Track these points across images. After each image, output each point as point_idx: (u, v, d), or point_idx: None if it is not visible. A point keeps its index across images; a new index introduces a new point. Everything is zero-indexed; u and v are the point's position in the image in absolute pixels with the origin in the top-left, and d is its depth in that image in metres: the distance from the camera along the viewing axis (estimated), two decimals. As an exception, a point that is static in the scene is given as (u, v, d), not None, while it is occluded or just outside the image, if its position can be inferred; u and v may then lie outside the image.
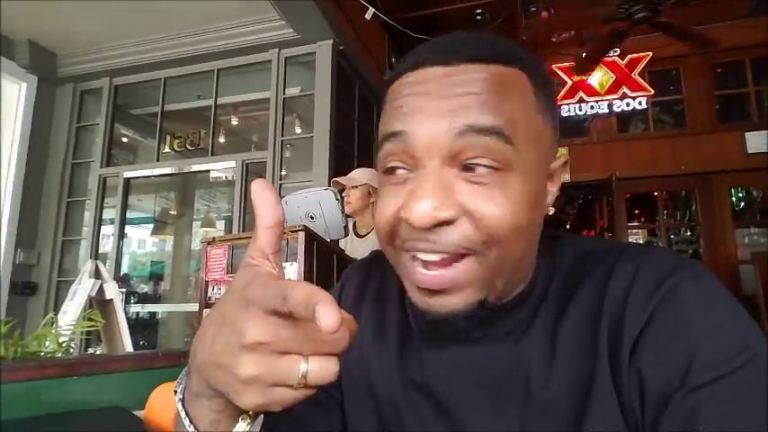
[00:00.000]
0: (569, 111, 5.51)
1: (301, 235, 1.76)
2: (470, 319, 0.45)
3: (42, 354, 1.28)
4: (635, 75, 5.34)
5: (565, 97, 5.52)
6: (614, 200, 5.33)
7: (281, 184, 3.82)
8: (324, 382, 0.32)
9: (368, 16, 3.83)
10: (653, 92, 5.31)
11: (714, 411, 0.37)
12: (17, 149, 3.98)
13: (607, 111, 5.44)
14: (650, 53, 5.25)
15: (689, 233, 5.68)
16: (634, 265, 0.45)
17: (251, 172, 4.03)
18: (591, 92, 5.47)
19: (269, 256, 0.37)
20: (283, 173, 3.92)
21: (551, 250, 0.51)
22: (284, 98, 3.94)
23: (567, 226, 9.80)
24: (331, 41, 3.78)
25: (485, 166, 0.42)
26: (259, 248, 0.37)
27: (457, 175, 0.43)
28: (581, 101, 5.48)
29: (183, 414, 0.40)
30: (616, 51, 5.17)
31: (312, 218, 2.00)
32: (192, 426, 0.39)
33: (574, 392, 0.44)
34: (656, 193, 5.60)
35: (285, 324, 0.32)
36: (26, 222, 4.00)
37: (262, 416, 0.41)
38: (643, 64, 5.32)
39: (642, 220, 6.10)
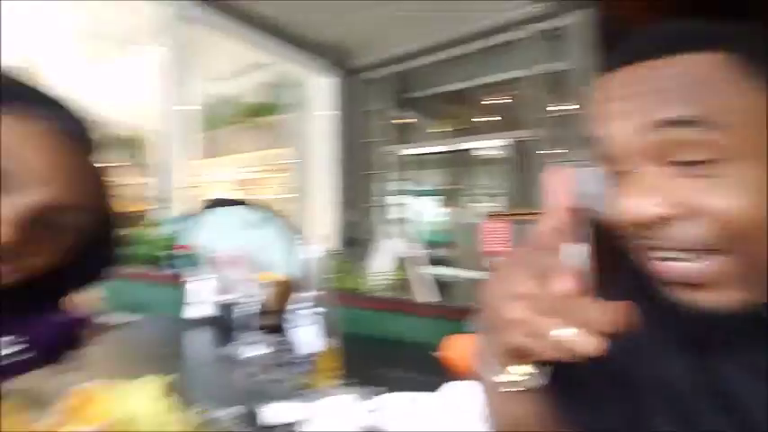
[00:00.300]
0: None
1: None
2: (741, 321, 0.42)
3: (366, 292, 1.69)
4: None
5: None
6: None
7: (550, 162, 3.78)
8: (582, 351, 0.37)
9: None
10: None
11: None
12: (329, 131, 4.95)
13: None
14: None
15: None
16: None
17: (521, 150, 4.10)
18: None
19: (560, 236, 0.42)
20: (555, 150, 3.86)
21: None
22: (547, 73, 3.83)
23: None
24: (590, 11, 3.48)
25: (696, 159, 0.40)
26: (551, 229, 0.43)
27: (672, 173, 0.41)
28: None
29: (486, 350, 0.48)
30: None
31: (591, 197, 1.96)
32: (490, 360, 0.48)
33: None
34: None
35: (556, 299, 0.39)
36: (347, 189, 4.94)
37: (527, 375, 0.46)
38: None
39: None
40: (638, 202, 0.41)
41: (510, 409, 0.49)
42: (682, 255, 0.41)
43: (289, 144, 5.12)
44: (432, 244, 5.12)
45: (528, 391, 0.46)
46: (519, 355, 0.43)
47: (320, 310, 1.03)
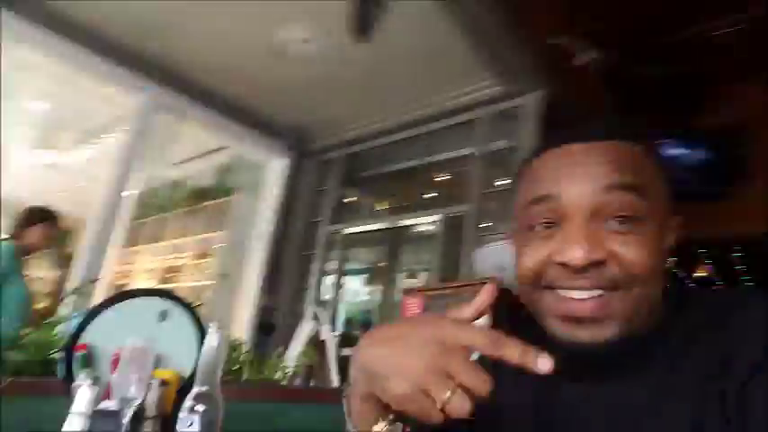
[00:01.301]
0: None
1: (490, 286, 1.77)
2: (607, 352, 0.53)
3: (272, 381, 1.54)
4: None
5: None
6: None
7: (480, 236, 3.86)
8: (457, 412, 0.41)
9: (580, 62, 3.73)
10: None
11: None
12: (272, 214, 4.94)
13: None
14: None
15: None
16: (748, 320, 0.50)
17: (454, 225, 4.19)
18: None
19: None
20: (488, 224, 3.97)
21: (679, 302, 0.58)
22: (489, 152, 4.04)
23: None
24: (539, 93, 3.79)
25: (624, 216, 0.52)
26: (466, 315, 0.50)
27: (601, 226, 0.53)
28: None
29: (347, 412, 0.54)
30: None
31: (502, 269, 1.99)
32: (351, 422, 0.53)
33: (693, 426, 0.48)
34: None
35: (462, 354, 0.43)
36: (273, 271, 4.87)
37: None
38: None
39: None
40: (580, 247, 0.50)
41: None
42: (586, 294, 0.52)
43: (226, 227, 5.00)
44: (355, 324, 5.01)
45: None
46: (387, 414, 0.49)
47: (201, 408, 0.90)
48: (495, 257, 2.06)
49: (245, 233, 4.89)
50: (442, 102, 4.23)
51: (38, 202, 2.95)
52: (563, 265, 0.52)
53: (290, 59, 3.84)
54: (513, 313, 0.56)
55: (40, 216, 2.73)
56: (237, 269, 4.78)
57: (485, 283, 1.71)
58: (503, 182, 4.17)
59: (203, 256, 5.14)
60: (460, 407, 0.42)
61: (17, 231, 2.64)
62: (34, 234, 2.65)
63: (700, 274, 7.02)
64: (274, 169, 5.05)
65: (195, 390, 0.83)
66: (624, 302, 0.51)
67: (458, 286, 1.84)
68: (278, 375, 1.54)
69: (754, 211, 4.64)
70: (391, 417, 0.50)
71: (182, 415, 0.87)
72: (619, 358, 0.54)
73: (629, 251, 0.51)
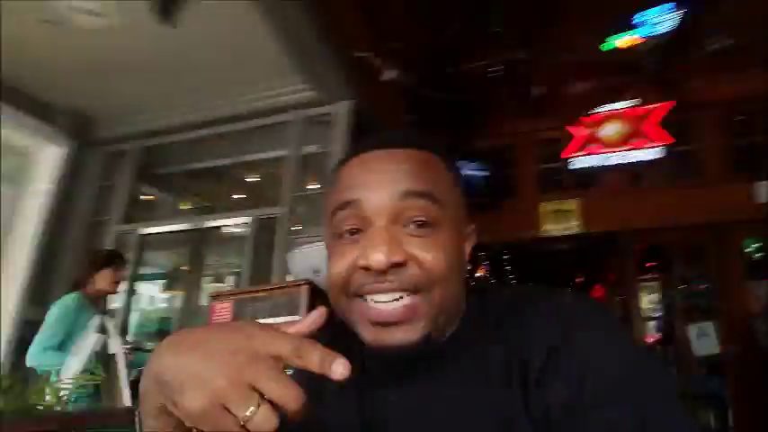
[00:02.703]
0: (577, 164, 5.55)
1: (304, 288, 1.78)
2: (418, 354, 0.54)
3: (42, 407, 1.28)
4: (651, 124, 5.35)
5: (574, 150, 5.58)
6: (624, 252, 5.26)
7: (294, 239, 3.87)
8: (260, 430, 0.38)
9: (385, 78, 4.01)
10: (667, 142, 5.30)
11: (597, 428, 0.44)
12: (42, 209, 4.13)
13: (619, 162, 5.46)
14: (665, 103, 5.27)
15: (702, 286, 5.53)
16: (539, 311, 0.54)
17: (265, 227, 4.10)
18: (602, 143, 5.51)
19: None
20: (298, 228, 3.98)
21: (479, 300, 0.61)
22: (301, 155, 4.06)
23: (577, 278, 9.63)
24: (349, 102, 3.94)
25: (421, 221, 0.54)
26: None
27: (400, 231, 0.54)
28: (591, 152, 5.52)
29: (138, 429, 0.46)
30: (634, 102, 5.25)
31: (317, 272, 2.02)
32: None
33: (498, 426, 0.51)
34: (669, 245, 5.52)
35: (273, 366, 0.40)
36: (41, 279, 4.07)
37: None
38: (657, 114, 5.33)
39: (655, 273, 5.97)
40: (377, 251, 0.52)
41: None
42: (390, 296, 0.53)
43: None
44: (148, 334, 4.55)
45: None
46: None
47: None
48: (310, 260, 2.07)
49: (10, 231, 3.98)
50: (252, 101, 4.11)
51: None
52: (366, 268, 0.52)
53: (72, 33, 3.27)
54: (330, 319, 0.51)
55: (107, 259, 2.63)
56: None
57: (299, 285, 1.72)
58: (314, 186, 4.26)
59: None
60: (265, 424, 0.38)
61: (84, 277, 2.56)
62: (103, 278, 2.55)
63: (479, 273, 8.31)
64: (47, 158, 4.23)
65: None
66: (427, 304, 0.53)
67: (270, 289, 1.80)
68: (50, 399, 1.29)
69: (520, 221, 5.71)
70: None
71: None
72: (430, 357, 0.56)
73: (427, 254, 0.53)
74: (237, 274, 4.75)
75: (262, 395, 0.38)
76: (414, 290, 0.53)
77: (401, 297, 0.53)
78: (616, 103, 5.42)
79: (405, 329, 0.53)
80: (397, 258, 0.52)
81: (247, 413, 0.37)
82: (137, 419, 0.46)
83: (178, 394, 0.39)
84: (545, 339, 0.51)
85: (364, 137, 0.63)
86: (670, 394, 0.47)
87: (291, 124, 4.12)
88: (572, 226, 5.44)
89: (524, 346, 0.52)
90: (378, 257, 0.51)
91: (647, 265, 5.90)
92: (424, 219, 0.54)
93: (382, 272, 0.52)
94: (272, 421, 0.38)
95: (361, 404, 0.60)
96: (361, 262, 0.53)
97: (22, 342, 3.84)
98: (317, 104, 4.03)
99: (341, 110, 3.99)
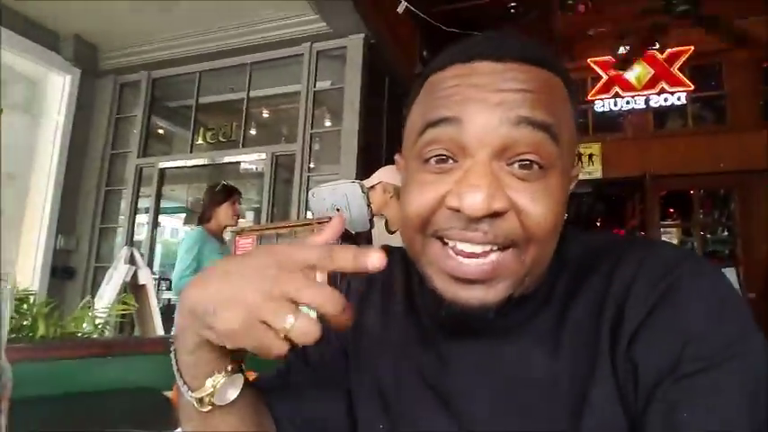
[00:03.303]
0: (604, 106, 5.37)
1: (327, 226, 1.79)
2: (497, 313, 0.46)
3: (79, 335, 1.34)
4: (674, 69, 5.16)
5: (600, 92, 5.39)
6: (647, 198, 5.18)
7: (308, 177, 3.87)
8: (304, 338, 0.36)
9: (400, 10, 3.82)
10: (693, 87, 5.11)
11: (696, 401, 0.39)
12: (60, 140, 4.14)
13: (644, 106, 5.28)
14: (691, 47, 5.06)
15: (725, 233, 5.48)
16: (637, 261, 0.46)
17: (280, 164, 4.10)
18: (627, 87, 5.31)
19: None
20: (312, 165, 3.97)
21: (558, 247, 0.50)
22: (315, 91, 3.98)
23: (597, 224, 9.58)
24: (362, 35, 3.79)
25: (529, 160, 0.43)
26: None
27: (505, 170, 0.44)
28: (616, 96, 5.33)
29: (175, 367, 0.45)
30: (656, 46, 5.02)
31: (338, 210, 2.02)
32: (181, 379, 0.44)
33: (575, 381, 0.46)
34: (692, 192, 5.42)
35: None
36: (66, 210, 4.17)
37: (240, 380, 0.46)
38: (684, 58, 5.13)
39: (676, 219, 5.91)
40: (476, 193, 0.41)
41: (216, 428, 0.47)
42: (479, 248, 0.43)
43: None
44: (171, 267, 4.68)
45: (227, 403, 0.45)
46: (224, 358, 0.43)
47: None
48: (331, 198, 2.07)
49: (22, 161, 4.02)
50: (263, 32, 3.95)
51: None
52: (456, 210, 0.43)
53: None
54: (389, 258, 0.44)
55: (224, 195, 2.69)
56: (16, 205, 3.95)
57: (321, 222, 1.72)
58: (328, 123, 4.19)
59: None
60: (307, 330, 0.36)
61: (206, 213, 2.66)
62: (223, 213, 2.63)
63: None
64: (55, 86, 4.18)
65: None
66: (518, 262, 0.44)
67: (293, 226, 1.81)
68: (87, 328, 1.34)
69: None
70: (230, 367, 0.44)
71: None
72: (505, 317, 0.48)
73: (533, 204, 0.43)
74: (256, 210, 4.79)
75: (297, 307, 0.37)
76: (508, 245, 0.44)
77: (491, 251, 0.44)
78: (644, 46, 5.15)
79: (485, 288, 0.45)
80: (499, 206, 0.42)
81: (286, 324, 0.36)
82: (172, 355, 0.46)
83: (214, 318, 0.38)
84: (644, 295, 0.43)
85: (466, 40, 0.49)
86: None
87: (304, 58, 4.00)
88: (594, 170, 5.33)
89: (617, 304, 0.45)
90: (475, 201, 0.41)
91: (670, 211, 5.84)
92: (533, 158, 0.43)
93: (476, 219, 0.42)
94: (314, 327, 0.37)
95: (416, 356, 0.54)
96: (452, 202, 0.43)
97: (54, 270, 4.02)
98: (330, 37, 3.88)
99: (354, 44, 3.84)
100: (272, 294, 0.37)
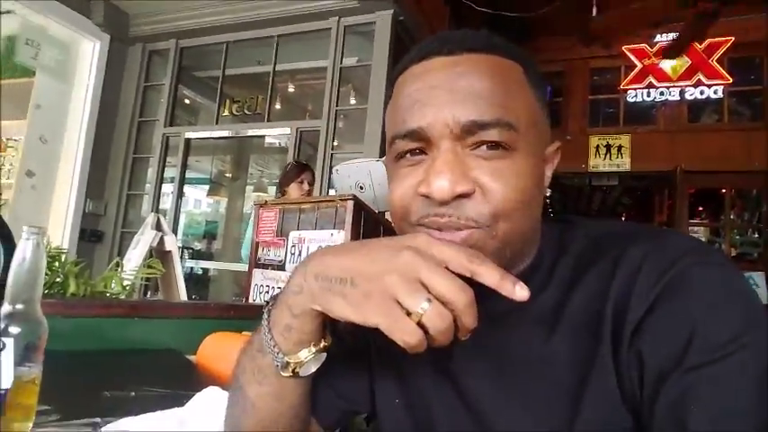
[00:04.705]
0: (636, 96, 5.22)
1: (350, 204, 1.79)
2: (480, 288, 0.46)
3: (108, 294, 1.38)
4: (713, 61, 4.96)
5: (633, 81, 5.23)
6: (677, 194, 5.05)
7: (332, 154, 3.87)
8: (436, 328, 0.38)
9: None
10: (731, 80, 4.91)
11: (703, 393, 0.39)
12: (90, 105, 4.21)
13: (678, 98, 5.11)
14: (732, 38, 4.84)
15: (756, 235, 5.33)
16: (644, 250, 0.46)
17: (304, 140, 4.11)
18: (662, 77, 5.14)
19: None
20: (336, 143, 3.97)
21: (561, 233, 0.54)
22: (341, 68, 3.95)
23: (623, 218, 9.41)
24: (391, 11, 3.74)
25: (497, 143, 0.46)
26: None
27: (468, 154, 0.47)
28: (650, 86, 5.17)
29: (266, 327, 0.48)
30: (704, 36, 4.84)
31: (362, 188, 2.02)
32: (272, 340, 0.48)
33: (575, 368, 0.46)
34: (723, 190, 5.27)
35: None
36: (96, 175, 4.27)
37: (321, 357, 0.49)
38: (723, 49, 4.93)
39: (705, 218, 5.76)
40: (440, 178, 0.45)
41: (284, 394, 0.50)
42: (448, 235, 0.46)
43: (27, 116, 4.07)
44: (193, 236, 4.75)
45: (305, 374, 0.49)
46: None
47: (15, 330, 0.75)
48: (354, 176, 2.07)
49: (54, 125, 4.10)
50: (291, 3, 3.91)
51: None
52: (427, 196, 0.46)
53: None
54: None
55: (297, 172, 2.84)
56: (47, 167, 4.05)
57: (345, 200, 1.72)
58: (353, 101, 4.17)
59: (4, 147, 4.21)
60: (440, 318, 0.38)
61: (280, 190, 2.81)
62: (293, 189, 2.77)
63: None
64: (86, 51, 4.23)
65: (6, 308, 0.68)
66: (490, 238, 0.46)
67: (317, 202, 1.82)
68: (116, 288, 1.39)
69: (565, 153, 5.49)
70: (322, 343, 0.47)
71: (-10, 336, 0.72)
72: (503, 300, 0.46)
73: (497, 183, 0.45)
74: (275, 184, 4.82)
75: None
76: (476, 225, 0.46)
77: (466, 229, 0.46)
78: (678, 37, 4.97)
79: None
80: (463, 188, 0.45)
81: (419, 308, 0.38)
82: (265, 314, 0.49)
83: (351, 288, 0.40)
84: (649, 285, 0.44)
85: (428, 38, 0.52)
86: None
87: (331, 33, 3.96)
88: (622, 162, 5.22)
89: (621, 294, 0.45)
90: (441, 185, 0.45)
91: (699, 209, 5.69)
92: (497, 141, 0.46)
93: (445, 202, 0.45)
94: (447, 317, 0.38)
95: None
96: (423, 189, 0.47)
97: (83, 233, 4.14)
98: (358, 12, 3.82)
99: (382, 20, 3.78)
100: (409, 277, 0.38)
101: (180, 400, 0.80)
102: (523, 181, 0.47)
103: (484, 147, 0.46)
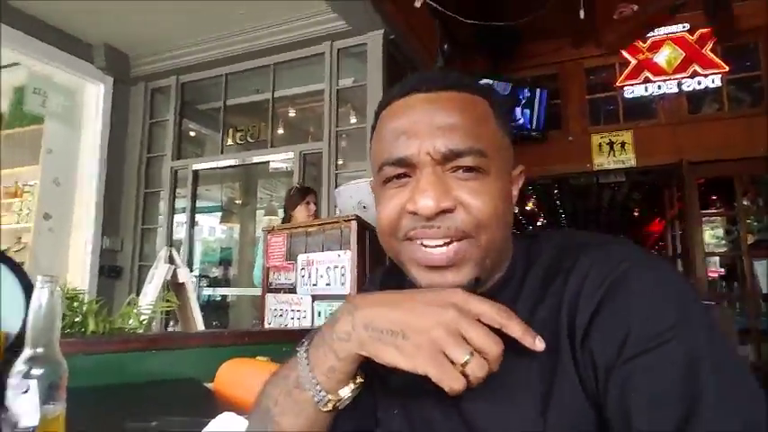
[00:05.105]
0: (633, 92, 5.21)
1: (354, 224, 1.84)
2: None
3: (126, 329, 1.44)
4: (706, 51, 4.95)
5: (629, 78, 5.23)
6: (685, 186, 5.02)
7: (336, 174, 3.93)
8: (476, 376, 0.44)
9: (417, 4, 3.82)
10: (727, 69, 4.90)
11: (639, 381, 0.44)
12: (99, 146, 4.34)
13: (676, 90, 5.09)
14: (723, 27, 4.82)
15: (770, 221, 5.25)
16: (592, 258, 0.53)
17: (308, 162, 4.18)
18: (657, 71, 5.13)
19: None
20: (340, 162, 4.03)
21: (529, 246, 0.61)
22: (338, 89, 4.03)
23: (635, 213, 9.32)
24: (381, 32, 3.82)
25: (472, 167, 0.54)
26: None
27: (449, 175, 0.54)
28: (646, 81, 5.16)
29: (305, 365, 0.53)
30: (686, 27, 4.86)
31: (365, 207, 2.07)
32: (314, 379, 0.52)
33: (544, 374, 0.51)
34: (733, 178, 5.21)
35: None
36: (110, 212, 4.38)
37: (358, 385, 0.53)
38: (715, 39, 4.91)
39: (720, 207, 5.68)
40: (429, 196, 0.51)
41: (318, 424, 0.54)
42: (440, 241, 0.53)
43: (40, 161, 4.21)
44: (210, 264, 4.81)
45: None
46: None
47: (37, 372, 0.80)
48: (356, 196, 2.12)
49: (66, 168, 4.23)
50: (282, 33, 4.03)
51: None
52: (415, 213, 0.53)
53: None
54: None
55: (301, 196, 2.90)
56: (63, 209, 4.17)
57: (348, 221, 1.78)
58: (353, 122, 4.24)
59: (15, 194, 4.35)
60: (481, 369, 0.44)
61: (286, 215, 2.88)
62: (300, 212, 2.82)
63: (528, 207, 8.16)
64: (91, 95, 4.37)
65: (28, 352, 0.73)
66: (475, 248, 0.53)
67: (321, 224, 1.87)
68: (133, 323, 1.45)
69: (569, 153, 5.51)
70: (358, 380, 0.53)
71: (14, 381, 0.78)
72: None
73: (475, 200, 0.52)
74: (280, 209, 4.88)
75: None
76: (461, 236, 0.53)
77: (450, 242, 0.53)
78: (671, 28, 4.98)
79: (453, 272, 0.54)
80: (446, 204, 0.52)
81: (463, 359, 0.44)
82: (303, 353, 0.54)
83: (403, 341, 0.46)
84: (594, 289, 0.49)
85: (407, 77, 0.61)
86: (720, 347, 0.44)
87: (326, 57, 4.05)
88: (627, 158, 5.21)
89: (571, 301, 0.51)
90: (426, 203, 0.51)
91: (712, 198, 5.63)
92: (471, 165, 0.53)
93: (430, 217, 0.52)
94: (486, 367, 0.44)
95: None
96: (410, 207, 0.53)
97: (102, 270, 4.24)
98: (350, 35, 3.92)
99: (374, 40, 3.87)
100: (453, 331, 0.45)
101: (199, 428, 0.84)
102: (496, 198, 0.54)
103: (461, 170, 0.54)
